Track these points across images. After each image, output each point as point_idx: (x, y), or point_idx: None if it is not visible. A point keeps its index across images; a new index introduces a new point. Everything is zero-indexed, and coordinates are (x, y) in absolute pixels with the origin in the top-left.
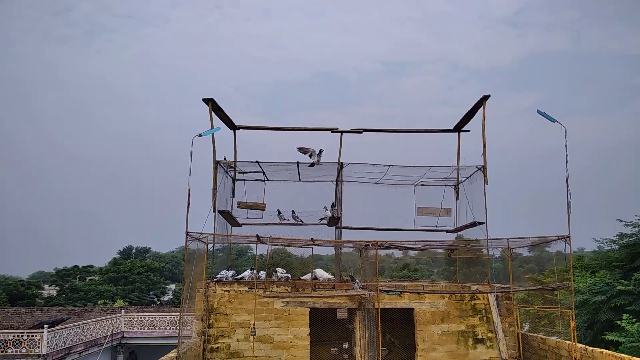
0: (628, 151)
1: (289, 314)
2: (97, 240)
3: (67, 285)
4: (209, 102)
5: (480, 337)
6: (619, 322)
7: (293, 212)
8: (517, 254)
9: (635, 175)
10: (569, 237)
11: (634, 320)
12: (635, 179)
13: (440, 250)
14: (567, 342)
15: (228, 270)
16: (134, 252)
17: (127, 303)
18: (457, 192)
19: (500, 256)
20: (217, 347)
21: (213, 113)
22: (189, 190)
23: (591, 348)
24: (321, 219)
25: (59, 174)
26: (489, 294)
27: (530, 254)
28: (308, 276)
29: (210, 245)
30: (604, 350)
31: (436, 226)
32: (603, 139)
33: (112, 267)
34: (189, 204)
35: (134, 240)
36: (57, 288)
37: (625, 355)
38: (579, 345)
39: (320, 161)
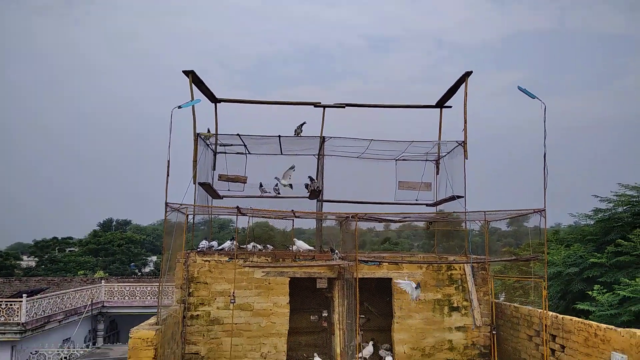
0: (608, 129)
1: (269, 283)
2: (76, 212)
3: (46, 257)
4: (190, 74)
5: (455, 305)
6: (590, 293)
7: (277, 179)
8: (496, 229)
9: (615, 152)
10: (544, 210)
11: (605, 290)
12: (615, 156)
13: (421, 224)
14: (539, 310)
15: (208, 242)
16: (114, 224)
17: (107, 274)
18: (437, 167)
19: (479, 231)
20: (197, 315)
21: (193, 86)
22: (168, 161)
23: (561, 315)
24: (275, 187)
25: (36, 145)
26: (465, 265)
27: (508, 229)
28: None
29: (190, 217)
30: (573, 317)
31: (416, 200)
32: (584, 117)
33: (92, 239)
34: (168, 175)
35: (114, 212)
36: (36, 259)
37: (593, 322)
38: (550, 313)
39: (302, 134)
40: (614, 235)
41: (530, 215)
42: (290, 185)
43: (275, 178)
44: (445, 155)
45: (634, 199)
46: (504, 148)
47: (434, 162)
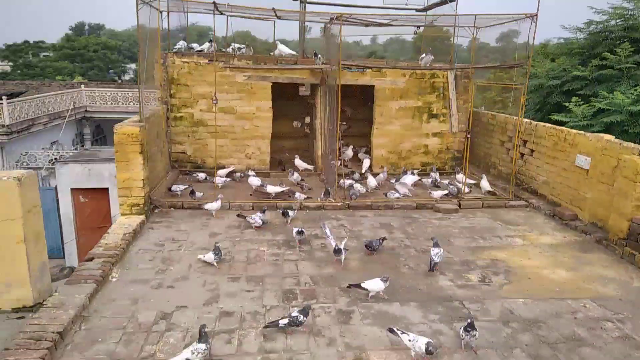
0: None
1: (252, 88)
2: (44, 14)
3: (21, 61)
4: None
5: (434, 112)
6: (567, 105)
7: None
8: (485, 44)
9: None
10: (536, 15)
11: (582, 102)
12: None
13: (408, 39)
14: (515, 117)
15: (187, 43)
16: (87, 28)
17: (87, 80)
18: None
19: (467, 47)
20: (181, 116)
21: None
22: None
23: (535, 122)
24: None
25: None
26: (448, 72)
27: (497, 44)
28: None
29: (164, 15)
30: (546, 124)
31: (406, 4)
32: None
33: (65, 44)
34: None
35: (86, 15)
36: (10, 64)
37: (564, 128)
38: (525, 119)
39: None
40: (602, 48)
41: (520, 31)
42: None
43: None
44: None
45: (628, 12)
46: None
47: None
